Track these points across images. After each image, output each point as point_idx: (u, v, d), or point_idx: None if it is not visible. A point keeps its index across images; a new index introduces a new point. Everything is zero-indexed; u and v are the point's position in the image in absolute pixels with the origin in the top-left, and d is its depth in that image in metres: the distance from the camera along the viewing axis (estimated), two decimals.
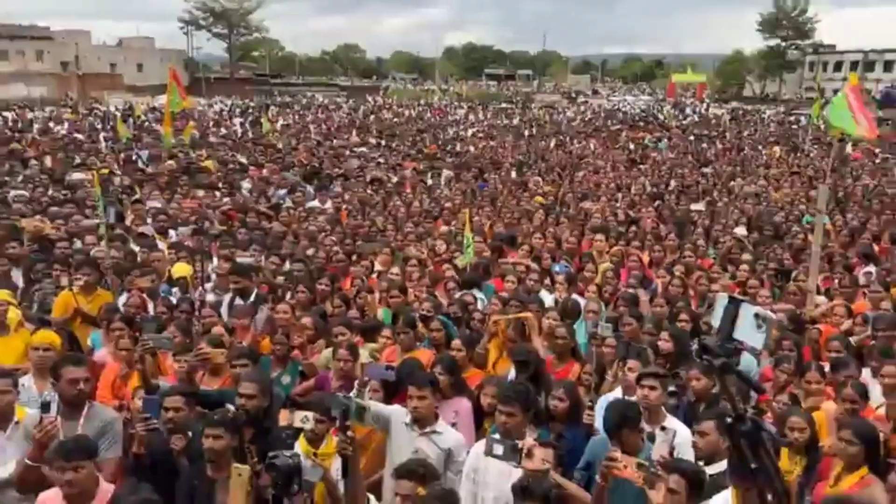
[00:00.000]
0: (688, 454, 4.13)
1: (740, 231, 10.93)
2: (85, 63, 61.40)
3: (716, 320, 1.89)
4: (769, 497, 1.70)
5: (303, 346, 5.95)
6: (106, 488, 3.61)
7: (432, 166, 18.93)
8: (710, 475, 3.77)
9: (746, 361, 5.90)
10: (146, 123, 28.78)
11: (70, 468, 3.47)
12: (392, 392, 5.07)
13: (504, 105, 48.41)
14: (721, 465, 3.70)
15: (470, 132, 29.71)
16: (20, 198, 11.50)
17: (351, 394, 4.16)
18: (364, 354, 5.71)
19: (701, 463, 4.02)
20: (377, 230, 10.88)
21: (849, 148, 22.14)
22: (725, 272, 8.52)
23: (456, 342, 5.84)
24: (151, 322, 5.94)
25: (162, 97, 40.34)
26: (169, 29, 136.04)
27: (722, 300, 1.90)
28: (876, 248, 9.92)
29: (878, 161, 21.07)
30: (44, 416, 3.97)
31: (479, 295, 7.48)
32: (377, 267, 8.68)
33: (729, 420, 1.67)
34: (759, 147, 24.40)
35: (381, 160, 19.92)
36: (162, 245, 8.90)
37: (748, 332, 1.83)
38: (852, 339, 6.37)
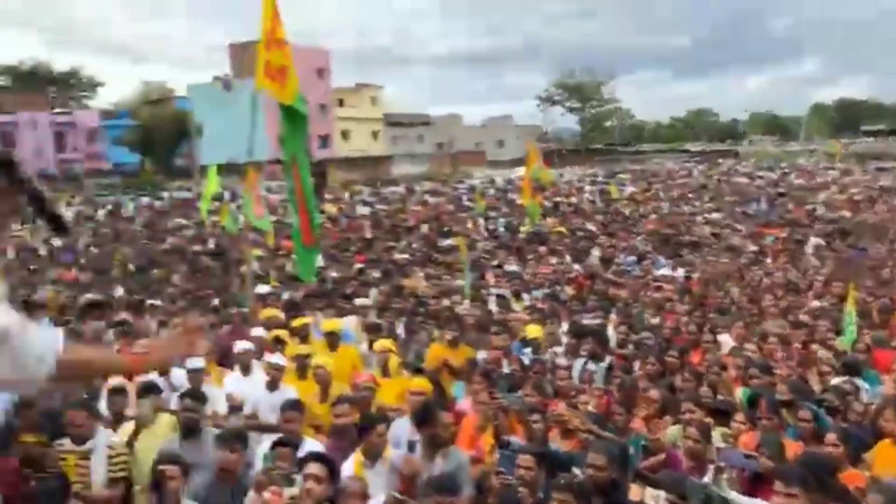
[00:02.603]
0: None
1: None
2: (456, 143, 69.64)
3: None
4: None
5: (649, 419, 5.75)
6: None
7: (795, 233, 17.22)
8: None
9: None
10: (505, 194, 31.22)
11: (446, 503, 3.85)
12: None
13: (888, 165, 42.14)
14: None
15: (844, 195, 26.40)
16: (402, 260, 13.32)
17: (706, 479, 3.87)
18: (716, 437, 5.32)
19: None
20: (731, 302, 10.19)
21: None
22: None
23: (830, 436, 5.10)
24: (505, 379, 6.32)
25: (518, 169, 43.74)
26: (527, 107, 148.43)
27: None
28: None
29: None
30: (408, 455, 4.45)
31: (860, 383, 6.48)
32: (730, 342, 8.11)
33: None
34: None
35: (738, 227, 18.74)
36: (516, 306, 9.48)
37: None
38: None
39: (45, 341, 1.72)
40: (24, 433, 4.68)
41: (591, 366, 7.07)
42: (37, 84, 58.70)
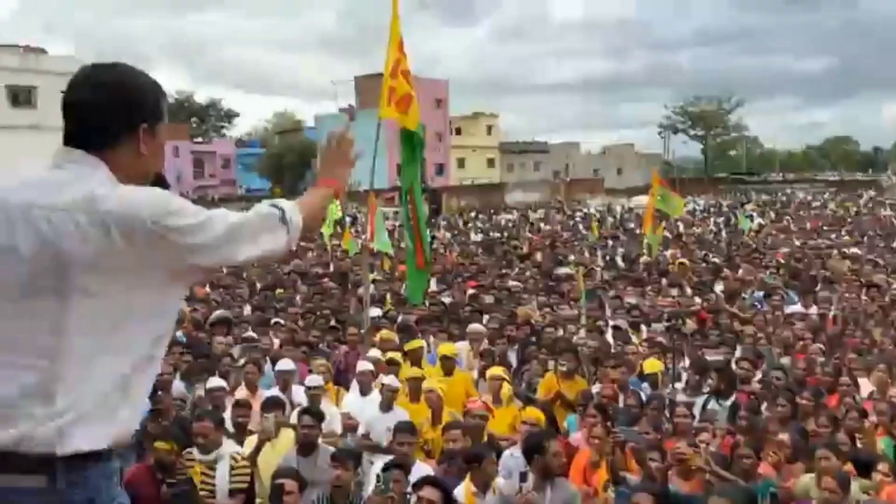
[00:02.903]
0: None
1: None
2: (573, 170, 69.04)
3: None
4: None
5: (778, 464, 5.38)
6: None
7: None
8: None
9: None
10: (623, 223, 30.58)
11: None
12: None
13: None
14: None
15: None
16: (516, 288, 13.24)
17: None
18: (855, 489, 4.90)
19: None
20: (872, 343, 9.42)
21: None
22: None
23: None
24: (623, 414, 6.11)
25: (637, 198, 42.71)
26: (648, 134, 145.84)
27: None
28: None
29: None
30: (522, 485, 4.39)
31: None
32: (870, 386, 7.48)
33: None
34: None
35: (881, 263, 17.36)
36: (635, 339, 9.18)
37: None
38: None
39: (294, 217, 1.95)
40: (158, 440, 4.99)
41: (714, 404, 6.71)
42: (182, 115, 63.58)
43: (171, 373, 7.18)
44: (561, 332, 9.44)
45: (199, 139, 60.16)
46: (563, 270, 15.42)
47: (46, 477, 1.69)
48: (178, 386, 7.12)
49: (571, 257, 18.30)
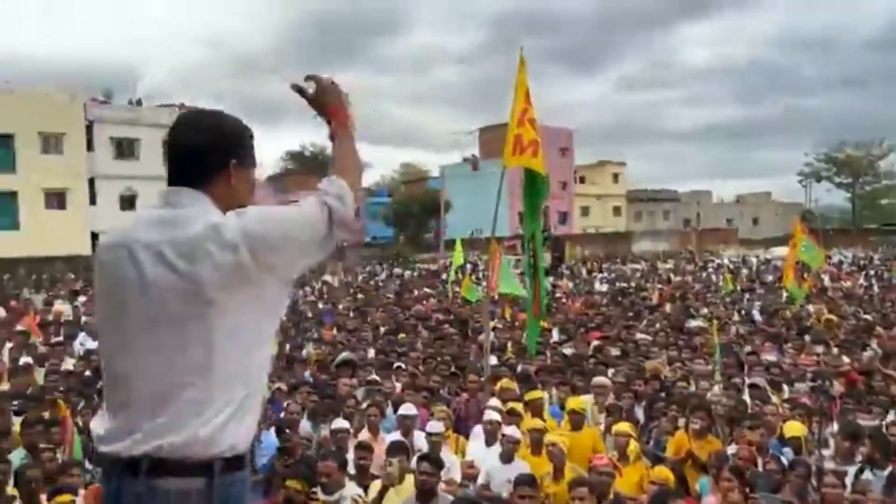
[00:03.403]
0: None
1: None
2: (705, 219, 66.38)
3: None
4: None
5: None
6: None
7: None
8: None
9: None
10: (760, 275, 28.92)
11: None
12: None
13: None
14: None
15: None
16: (643, 340, 12.73)
17: None
18: None
19: None
20: None
21: None
22: None
23: None
24: (764, 479, 5.65)
25: (775, 249, 40.31)
26: (786, 183, 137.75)
27: None
28: None
29: None
30: None
31: None
32: None
33: None
34: None
35: None
36: (775, 399, 8.53)
37: None
38: None
39: (348, 194, 2.13)
40: (289, 479, 5.12)
41: (869, 474, 6.06)
42: (316, 167, 67.15)
43: (299, 412, 7.42)
44: (693, 388, 8.94)
45: None
46: (694, 323, 14.70)
47: (206, 479, 1.88)
48: (304, 425, 7.31)
49: (703, 310, 17.45)
